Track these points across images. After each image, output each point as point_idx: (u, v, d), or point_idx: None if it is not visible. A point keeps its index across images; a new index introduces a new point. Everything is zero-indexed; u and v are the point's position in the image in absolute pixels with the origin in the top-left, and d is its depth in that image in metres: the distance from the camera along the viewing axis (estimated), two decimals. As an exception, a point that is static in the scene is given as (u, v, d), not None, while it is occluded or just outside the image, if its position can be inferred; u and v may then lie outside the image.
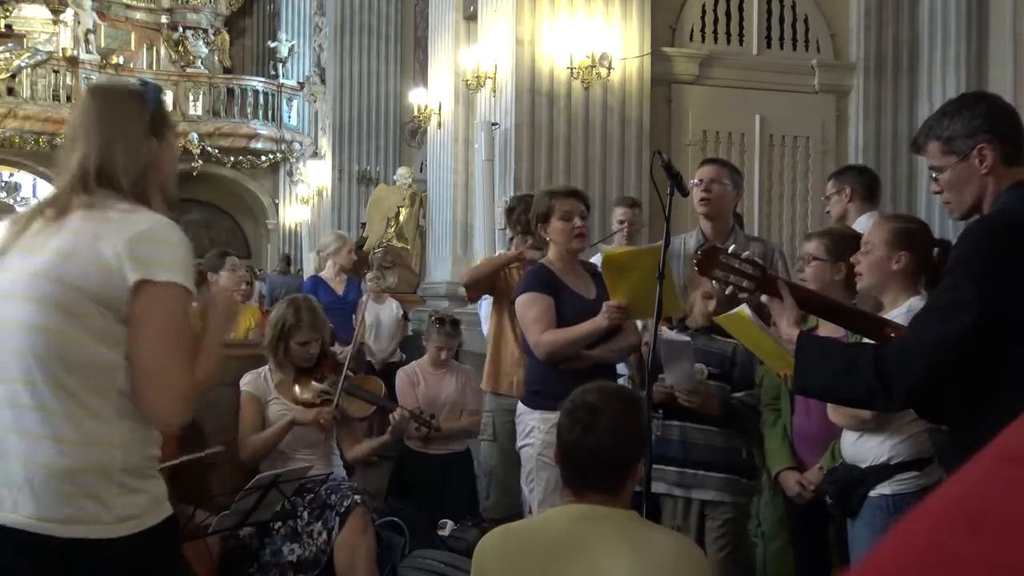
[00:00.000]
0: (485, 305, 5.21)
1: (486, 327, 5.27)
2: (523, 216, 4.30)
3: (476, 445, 4.77)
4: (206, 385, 1.98)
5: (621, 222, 5.20)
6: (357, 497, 3.75)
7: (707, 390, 3.47)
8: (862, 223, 4.04)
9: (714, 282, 2.52)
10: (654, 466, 3.45)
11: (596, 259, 4.09)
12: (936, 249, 2.82)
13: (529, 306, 3.61)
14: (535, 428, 3.59)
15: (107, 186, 1.91)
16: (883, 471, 2.82)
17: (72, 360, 1.82)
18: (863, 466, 2.86)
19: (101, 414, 1.83)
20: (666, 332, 3.33)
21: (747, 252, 2.49)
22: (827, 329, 3.12)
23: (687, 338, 3.42)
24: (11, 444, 1.83)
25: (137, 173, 1.93)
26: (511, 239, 4.74)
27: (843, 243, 3.25)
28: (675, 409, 3.48)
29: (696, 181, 4.11)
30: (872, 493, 2.83)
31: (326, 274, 6.65)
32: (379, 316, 7.89)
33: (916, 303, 2.70)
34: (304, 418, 3.97)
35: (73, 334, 1.82)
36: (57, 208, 1.91)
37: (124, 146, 1.93)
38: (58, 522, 1.79)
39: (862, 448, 2.88)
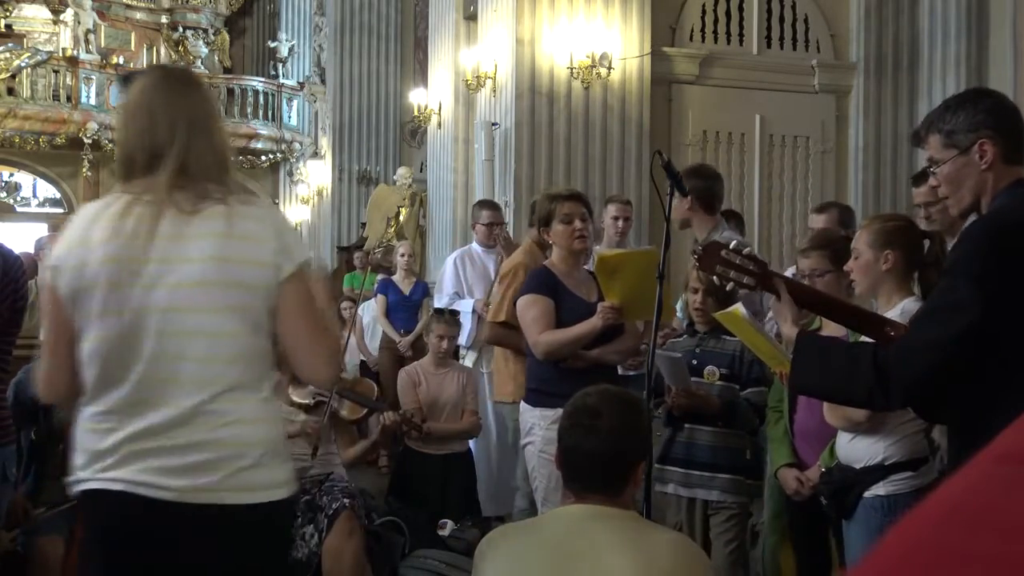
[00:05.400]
0: (468, 322, 5.29)
1: (465, 336, 5.32)
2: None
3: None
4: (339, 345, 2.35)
5: (616, 218, 5.18)
6: (346, 500, 3.75)
7: (704, 390, 3.47)
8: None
9: (716, 277, 2.51)
10: (661, 467, 3.47)
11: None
12: (926, 241, 2.82)
13: (529, 307, 3.68)
14: (535, 425, 3.64)
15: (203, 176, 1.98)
16: (877, 472, 2.81)
17: (247, 355, 1.97)
18: (857, 467, 2.86)
19: (266, 395, 2.05)
20: (659, 352, 3.31)
21: (748, 248, 2.48)
22: (830, 328, 3.12)
23: (678, 354, 3.43)
24: (212, 432, 1.94)
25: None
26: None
27: (841, 247, 3.26)
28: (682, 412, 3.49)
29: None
30: (867, 494, 2.82)
31: (396, 276, 7.50)
32: (376, 316, 7.87)
33: (909, 304, 2.70)
34: (291, 429, 3.95)
35: (247, 334, 1.96)
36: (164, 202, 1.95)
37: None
38: (244, 490, 1.94)
39: (856, 449, 2.87)
